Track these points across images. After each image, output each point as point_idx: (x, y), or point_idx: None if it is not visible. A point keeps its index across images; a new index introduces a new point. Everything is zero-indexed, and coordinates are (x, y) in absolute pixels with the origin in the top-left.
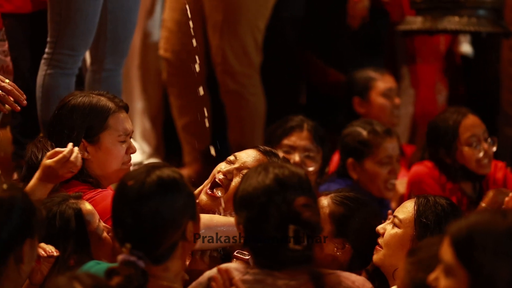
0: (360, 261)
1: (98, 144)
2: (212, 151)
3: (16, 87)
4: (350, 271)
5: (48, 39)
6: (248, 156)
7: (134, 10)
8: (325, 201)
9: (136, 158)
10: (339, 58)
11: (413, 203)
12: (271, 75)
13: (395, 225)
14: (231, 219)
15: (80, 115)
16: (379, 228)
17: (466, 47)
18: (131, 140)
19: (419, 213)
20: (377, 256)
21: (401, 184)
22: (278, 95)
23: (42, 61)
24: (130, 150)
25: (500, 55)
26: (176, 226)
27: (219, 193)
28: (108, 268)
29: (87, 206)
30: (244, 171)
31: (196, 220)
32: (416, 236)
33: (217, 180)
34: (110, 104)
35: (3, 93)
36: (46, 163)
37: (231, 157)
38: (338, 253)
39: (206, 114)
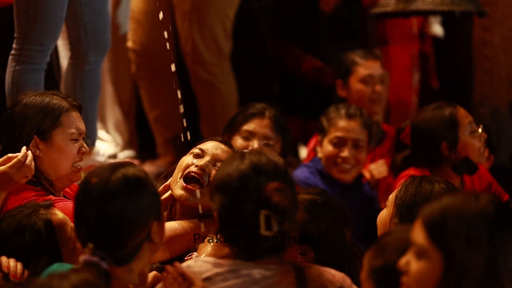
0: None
1: (50, 142)
2: (184, 141)
3: None
4: None
5: (15, 35)
6: (216, 148)
7: (106, 0)
8: None
9: (109, 150)
10: (313, 44)
11: None
12: (243, 64)
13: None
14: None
15: (32, 112)
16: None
17: (437, 28)
18: (106, 136)
19: (399, 193)
20: None
21: (376, 168)
22: (251, 84)
23: (10, 57)
24: (82, 149)
25: (472, 35)
26: (141, 225)
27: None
28: (71, 269)
29: (58, 215)
30: (219, 164)
31: (161, 220)
32: (393, 214)
33: (192, 174)
34: (63, 103)
35: None
36: None
37: (196, 150)
38: (298, 259)
39: (177, 105)
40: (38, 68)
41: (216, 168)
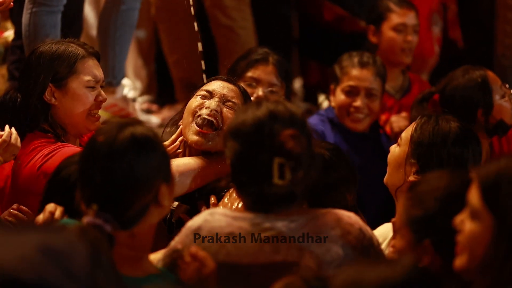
0: None
1: (65, 89)
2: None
3: None
4: None
5: None
6: (222, 87)
7: None
8: None
9: (129, 94)
10: None
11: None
12: (262, 8)
13: (398, 144)
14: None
15: (47, 60)
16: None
17: None
18: (125, 81)
19: (416, 130)
20: (385, 177)
21: (397, 122)
22: (270, 28)
23: (27, 0)
24: (100, 98)
25: None
26: (148, 186)
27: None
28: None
29: None
30: (229, 103)
31: (170, 183)
32: (410, 153)
33: (204, 117)
34: (79, 50)
35: None
36: None
37: (203, 92)
38: None
39: (197, 49)
40: (54, 10)
41: (227, 107)
